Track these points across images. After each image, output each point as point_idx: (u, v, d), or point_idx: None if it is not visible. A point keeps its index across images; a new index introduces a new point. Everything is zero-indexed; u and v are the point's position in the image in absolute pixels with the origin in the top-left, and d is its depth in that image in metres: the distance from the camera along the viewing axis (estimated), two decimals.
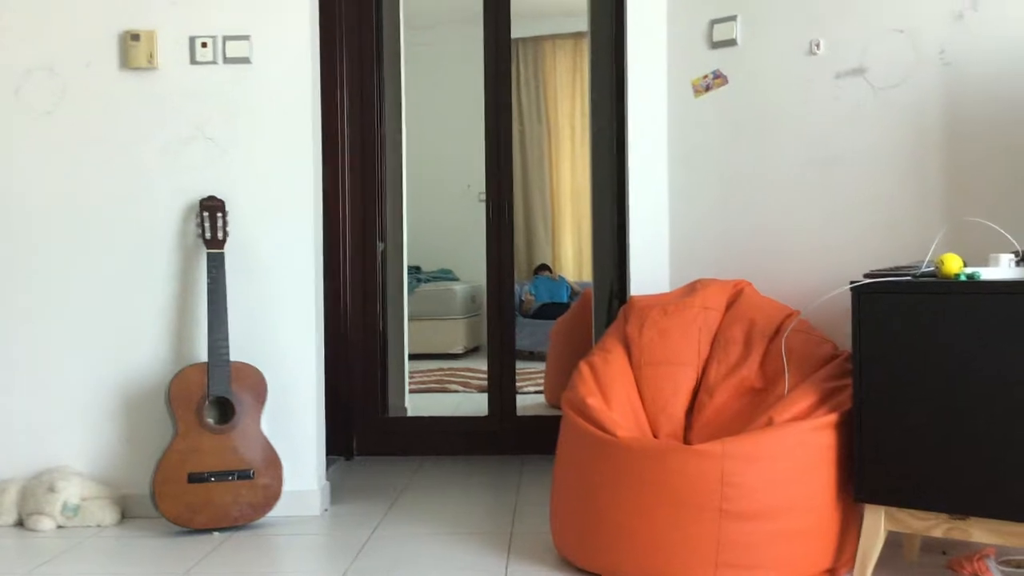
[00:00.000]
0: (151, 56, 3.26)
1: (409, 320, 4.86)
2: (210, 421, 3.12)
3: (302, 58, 3.29)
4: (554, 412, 4.48)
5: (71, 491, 3.17)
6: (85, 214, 3.30)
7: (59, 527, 3.16)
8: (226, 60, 3.28)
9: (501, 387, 4.27)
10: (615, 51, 3.82)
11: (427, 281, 6.86)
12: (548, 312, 6.55)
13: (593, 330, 4.55)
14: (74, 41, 3.29)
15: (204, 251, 3.21)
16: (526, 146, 7.18)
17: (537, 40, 7.21)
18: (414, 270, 6.76)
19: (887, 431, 2.39)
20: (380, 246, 4.29)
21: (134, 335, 3.29)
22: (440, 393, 5.56)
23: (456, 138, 5.91)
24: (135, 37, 3.25)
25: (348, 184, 4.17)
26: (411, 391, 4.92)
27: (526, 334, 6.39)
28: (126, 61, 3.28)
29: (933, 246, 2.73)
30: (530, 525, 3.11)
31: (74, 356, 3.30)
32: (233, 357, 3.17)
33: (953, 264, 2.34)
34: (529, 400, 5.19)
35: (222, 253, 3.18)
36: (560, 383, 4.20)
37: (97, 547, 2.98)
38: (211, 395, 3.10)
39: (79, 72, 3.29)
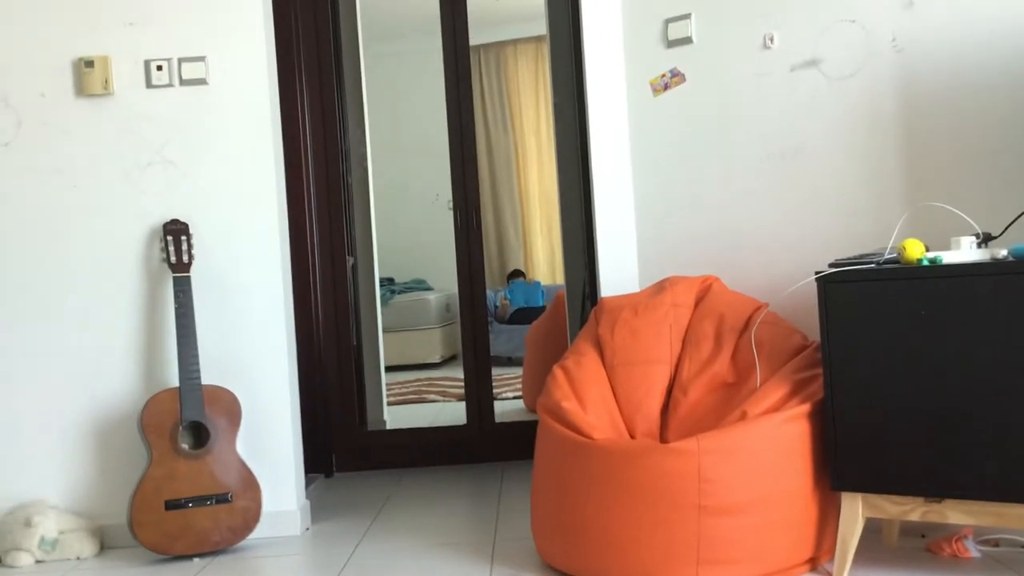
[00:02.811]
0: (106, 82, 3.24)
1: (384, 332, 4.85)
2: (185, 446, 3.10)
3: (259, 76, 3.28)
4: (533, 417, 4.48)
5: (48, 525, 3.14)
6: (47, 244, 3.27)
7: (38, 562, 3.13)
8: (182, 82, 3.26)
9: (479, 395, 4.26)
10: (574, 54, 3.83)
11: (401, 292, 6.84)
12: (524, 317, 6.55)
13: (568, 332, 4.55)
14: (27, 71, 3.26)
15: (170, 275, 3.18)
16: (493, 152, 7.19)
17: (499, 46, 7.22)
18: (387, 282, 6.75)
19: (859, 418, 2.40)
20: (350, 260, 4.28)
21: (103, 363, 3.26)
22: (419, 404, 5.54)
23: (422, 148, 5.91)
24: (89, 64, 3.23)
25: (314, 199, 4.16)
26: (390, 403, 4.90)
27: (503, 340, 6.40)
28: (81, 88, 3.25)
29: (895, 232, 2.76)
30: (513, 532, 3.10)
31: (44, 388, 3.27)
32: (205, 380, 3.15)
33: (915, 249, 2.36)
34: (509, 406, 5.18)
35: (188, 277, 3.16)
36: (538, 387, 4.20)
37: None
38: (184, 420, 3.08)
39: (34, 102, 3.26)
